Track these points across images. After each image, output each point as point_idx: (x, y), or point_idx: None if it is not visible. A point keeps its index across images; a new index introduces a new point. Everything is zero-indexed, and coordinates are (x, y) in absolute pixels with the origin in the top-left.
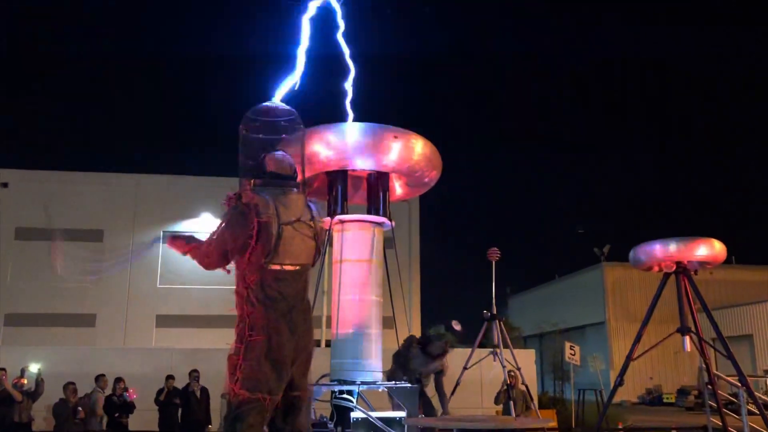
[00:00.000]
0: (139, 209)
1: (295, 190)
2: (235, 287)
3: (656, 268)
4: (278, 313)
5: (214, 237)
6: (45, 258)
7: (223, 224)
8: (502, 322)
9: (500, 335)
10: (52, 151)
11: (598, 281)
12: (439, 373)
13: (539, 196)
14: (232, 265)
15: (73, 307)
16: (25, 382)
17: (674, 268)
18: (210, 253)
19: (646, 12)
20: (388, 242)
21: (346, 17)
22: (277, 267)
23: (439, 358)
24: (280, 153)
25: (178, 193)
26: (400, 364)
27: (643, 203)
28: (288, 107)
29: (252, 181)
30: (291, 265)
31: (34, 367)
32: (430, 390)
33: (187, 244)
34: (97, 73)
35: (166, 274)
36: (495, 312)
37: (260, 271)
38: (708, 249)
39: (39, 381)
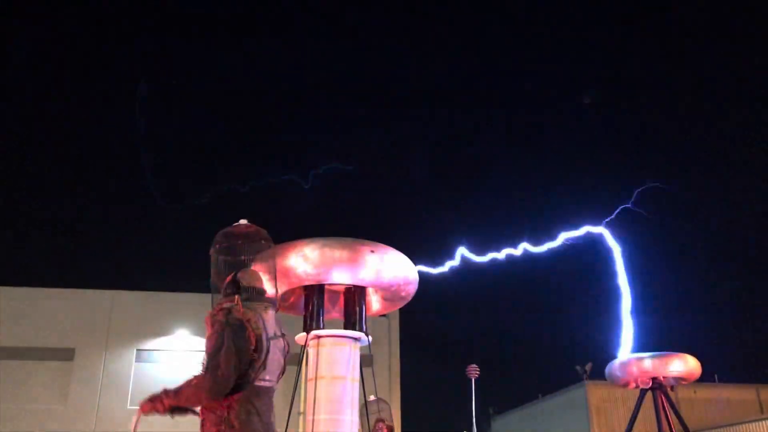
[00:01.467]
0: (112, 326)
1: (272, 306)
2: (206, 407)
3: (632, 384)
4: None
5: (211, 365)
6: (6, 378)
7: (222, 348)
8: None
9: None
10: (22, 266)
11: (582, 400)
12: None
13: (520, 312)
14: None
15: None
16: None
17: (650, 384)
18: (209, 387)
19: None
20: (367, 359)
21: None
22: (261, 383)
23: None
24: (251, 269)
25: (153, 309)
26: None
27: (628, 319)
28: (258, 227)
29: (236, 298)
30: (268, 381)
31: None
32: None
33: (164, 399)
34: (72, 188)
35: (137, 394)
36: None
37: (245, 388)
38: (683, 364)
39: None
